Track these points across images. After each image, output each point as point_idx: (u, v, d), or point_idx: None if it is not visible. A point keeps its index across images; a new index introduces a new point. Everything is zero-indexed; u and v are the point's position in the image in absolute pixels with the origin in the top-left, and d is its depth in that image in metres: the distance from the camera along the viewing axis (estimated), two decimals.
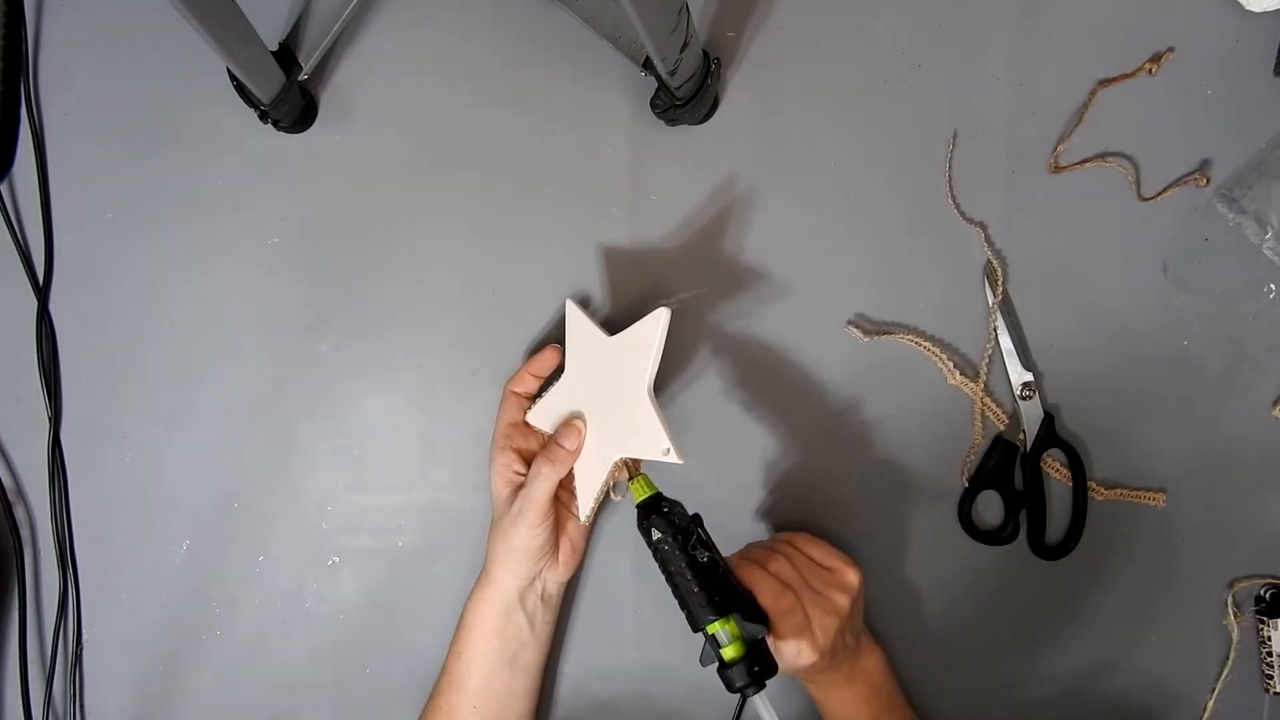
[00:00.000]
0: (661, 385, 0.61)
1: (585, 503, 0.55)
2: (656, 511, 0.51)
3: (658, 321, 0.53)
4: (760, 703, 0.47)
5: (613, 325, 0.56)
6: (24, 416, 0.61)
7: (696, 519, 0.52)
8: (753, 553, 0.54)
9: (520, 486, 0.55)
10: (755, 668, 0.47)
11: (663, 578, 0.51)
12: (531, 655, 0.58)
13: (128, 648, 0.63)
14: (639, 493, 0.52)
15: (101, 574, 0.62)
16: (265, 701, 0.63)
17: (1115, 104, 0.60)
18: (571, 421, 0.55)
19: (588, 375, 0.56)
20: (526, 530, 0.54)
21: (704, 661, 0.49)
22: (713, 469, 0.62)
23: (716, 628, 0.48)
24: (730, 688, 0.47)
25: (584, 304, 0.60)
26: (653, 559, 0.51)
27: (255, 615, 0.63)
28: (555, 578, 0.57)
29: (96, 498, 0.62)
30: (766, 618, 0.49)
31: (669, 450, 0.52)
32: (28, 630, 0.61)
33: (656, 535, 0.50)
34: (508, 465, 0.57)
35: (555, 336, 0.60)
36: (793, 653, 0.50)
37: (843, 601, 0.52)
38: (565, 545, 0.57)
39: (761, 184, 0.61)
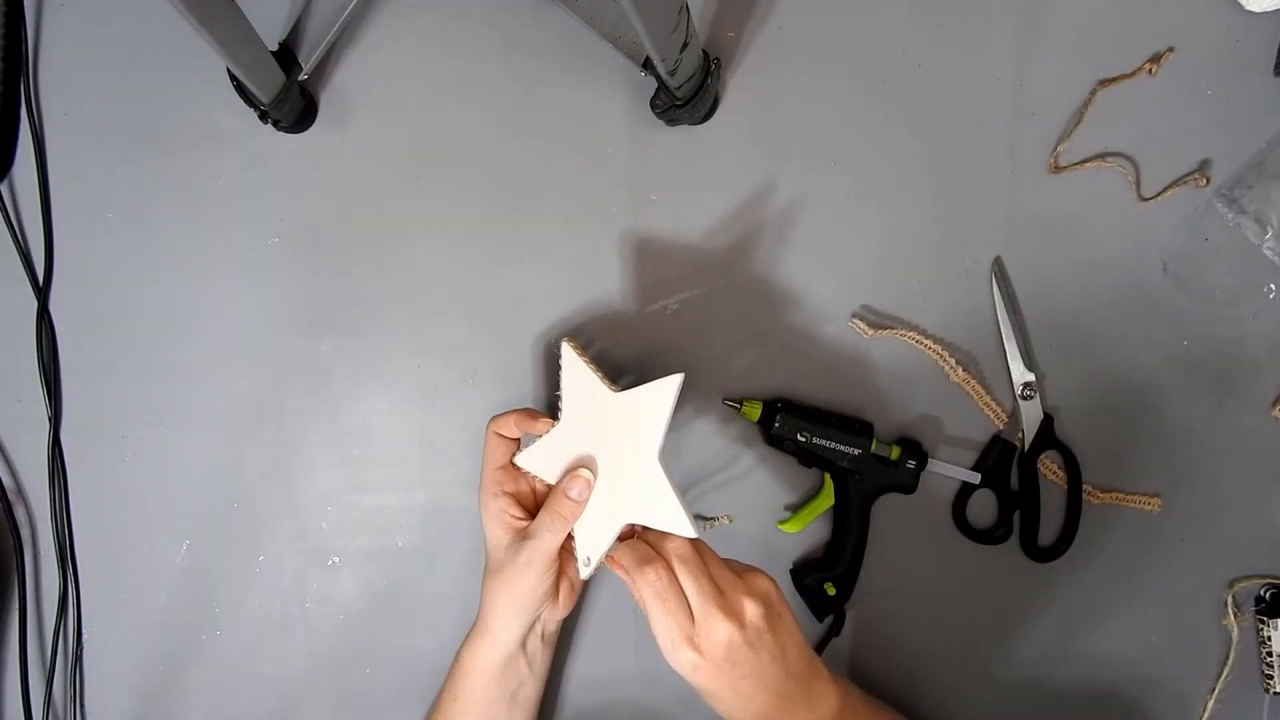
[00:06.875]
0: None
1: (589, 558, 0.52)
2: (779, 413, 0.58)
3: (669, 389, 0.49)
4: (936, 464, 0.60)
5: (611, 364, 0.53)
6: (24, 416, 0.61)
7: (787, 402, 0.60)
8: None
9: (519, 532, 0.54)
10: (915, 452, 0.59)
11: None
12: (530, 691, 0.58)
13: (128, 648, 0.63)
14: (753, 414, 0.59)
15: (101, 574, 0.62)
16: (265, 701, 0.63)
17: (1115, 104, 0.60)
18: (578, 473, 0.52)
19: (589, 426, 0.52)
20: (534, 580, 0.53)
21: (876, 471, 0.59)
22: (712, 468, 0.62)
23: (876, 444, 0.59)
24: (913, 476, 0.59)
25: (585, 344, 0.57)
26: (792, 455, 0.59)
27: (255, 615, 0.63)
28: (555, 617, 0.57)
29: (96, 498, 0.62)
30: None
31: (688, 528, 0.49)
32: (28, 630, 0.61)
33: (792, 431, 0.59)
34: (503, 511, 0.54)
35: (553, 379, 0.56)
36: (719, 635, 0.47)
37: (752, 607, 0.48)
38: (565, 586, 0.56)
39: (761, 184, 0.61)
